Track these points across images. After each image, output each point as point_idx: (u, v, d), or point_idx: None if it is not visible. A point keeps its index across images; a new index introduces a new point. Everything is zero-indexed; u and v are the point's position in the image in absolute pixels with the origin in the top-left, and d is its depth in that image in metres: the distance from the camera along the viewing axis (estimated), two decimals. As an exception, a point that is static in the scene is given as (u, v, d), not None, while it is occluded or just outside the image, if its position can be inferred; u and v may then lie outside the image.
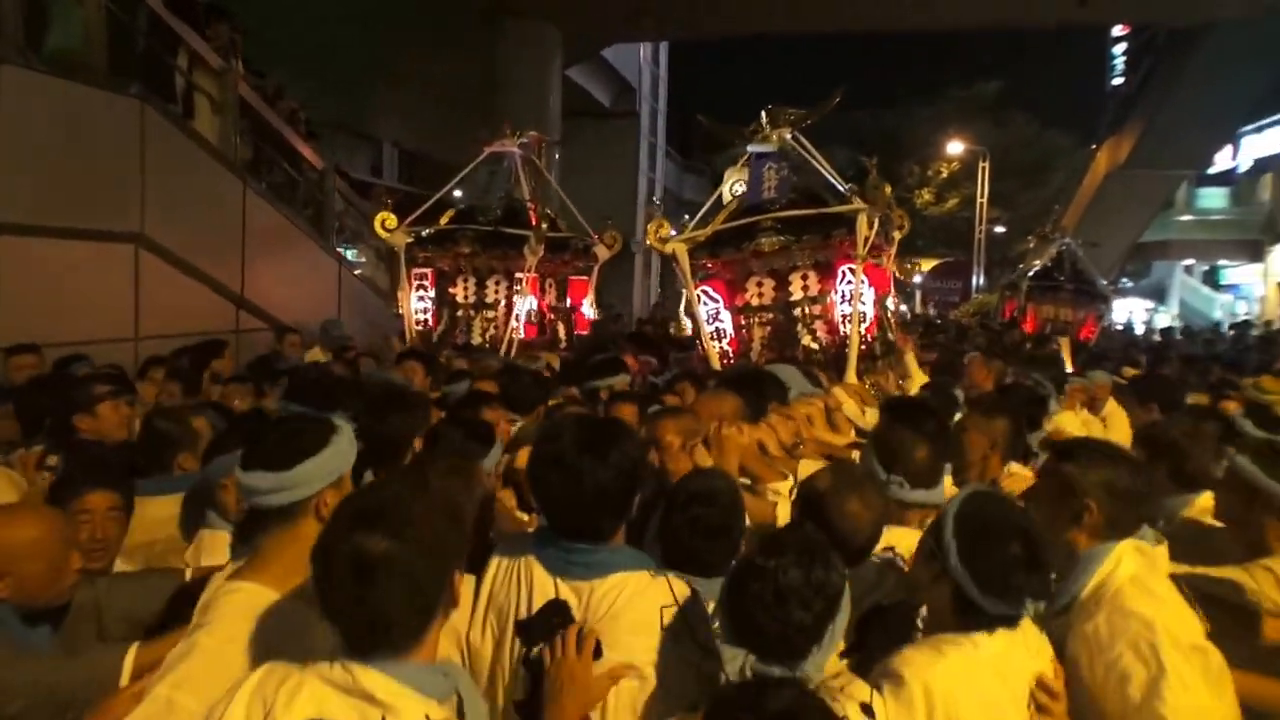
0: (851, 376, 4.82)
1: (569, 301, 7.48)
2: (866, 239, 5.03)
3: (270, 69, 8.87)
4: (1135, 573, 1.65)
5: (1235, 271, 29.44)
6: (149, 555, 2.36)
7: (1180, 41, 17.20)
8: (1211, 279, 30.72)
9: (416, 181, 24.22)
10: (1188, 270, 30.49)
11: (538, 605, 1.57)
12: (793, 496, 2.23)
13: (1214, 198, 29.35)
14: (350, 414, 2.47)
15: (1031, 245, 31.30)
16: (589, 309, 7.67)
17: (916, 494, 2.11)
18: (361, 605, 1.14)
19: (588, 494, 1.55)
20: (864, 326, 5.13)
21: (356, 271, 9.06)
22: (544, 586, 1.58)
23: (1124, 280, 26.60)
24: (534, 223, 6.89)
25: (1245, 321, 18.21)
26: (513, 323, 6.76)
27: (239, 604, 1.44)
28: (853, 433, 3.69)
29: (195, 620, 1.48)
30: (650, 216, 5.65)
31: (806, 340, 5.23)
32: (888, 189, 5.23)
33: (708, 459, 2.44)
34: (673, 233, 5.47)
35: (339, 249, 8.39)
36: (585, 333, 7.64)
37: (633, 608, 1.51)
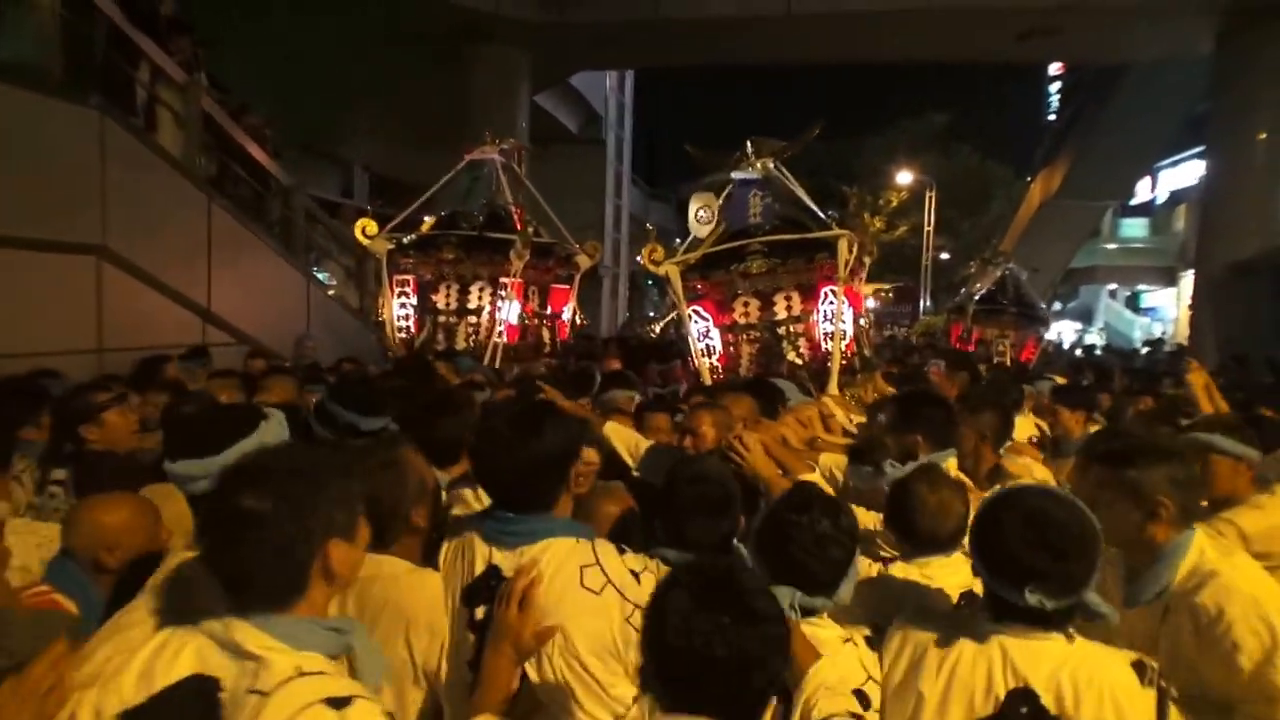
0: (834, 389, 5.10)
1: (550, 309, 7.52)
2: (847, 263, 5.39)
3: (240, 88, 8.87)
4: (1223, 552, 1.81)
5: (1153, 296, 31.47)
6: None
7: (1105, 82, 18.39)
8: (1133, 303, 32.71)
9: (387, 202, 24.15)
10: (1112, 294, 32.35)
11: (478, 574, 1.69)
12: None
13: (1135, 227, 31.32)
14: (395, 417, 2.60)
15: (974, 270, 32.37)
16: (572, 316, 7.75)
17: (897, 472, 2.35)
18: (229, 558, 1.19)
19: (519, 466, 1.67)
20: (844, 344, 5.46)
21: (329, 291, 9.06)
22: (482, 556, 1.69)
23: (1055, 303, 27.99)
24: (519, 227, 6.93)
25: (1159, 340, 19.71)
26: (497, 328, 6.79)
27: (168, 576, 1.50)
28: (843, 436, 3.88)
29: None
30: (647, 238, 5.93)
31: (791, 356, 5.53)
32: (866, 217, 5.67)
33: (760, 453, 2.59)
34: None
35: (308, 266, 8.34)
36: (566, 340, 7.70)
37: (557, 570, 1.62)
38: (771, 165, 5.78)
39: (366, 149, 22.50)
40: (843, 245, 5.40)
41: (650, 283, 36.93)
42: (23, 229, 5.24)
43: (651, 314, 32.77)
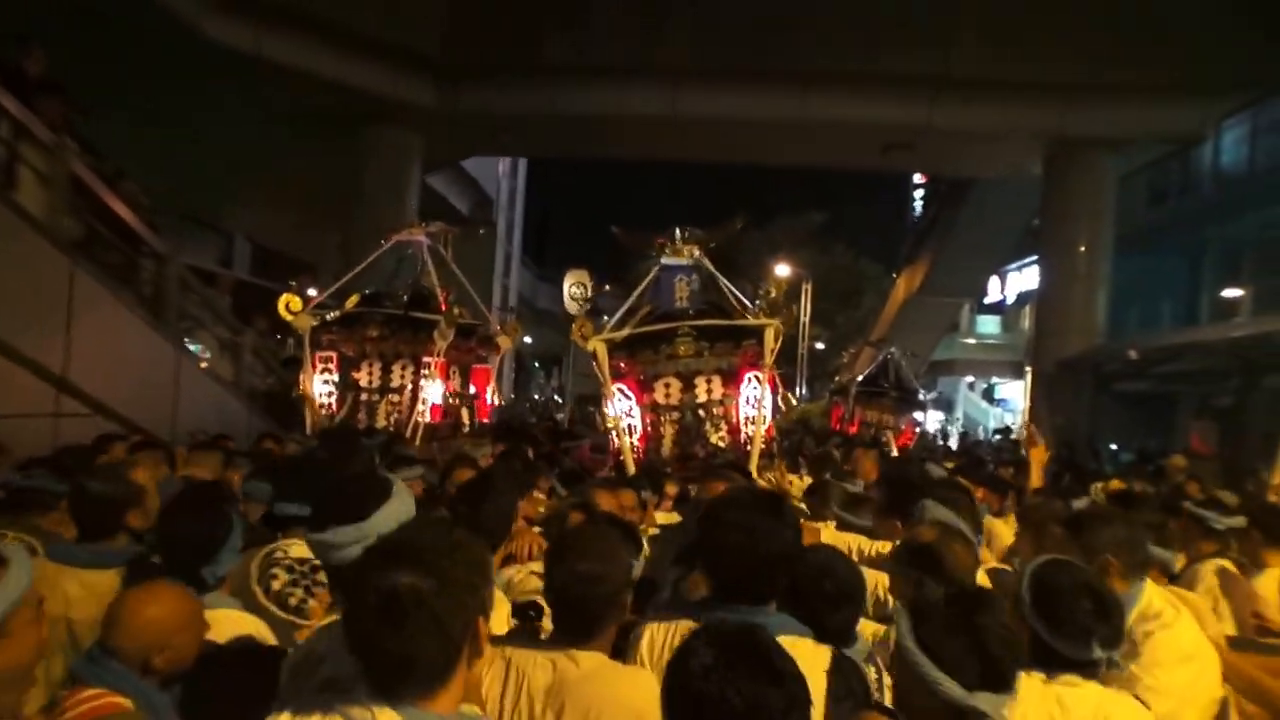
0: (754, 470, 5.20)
1: (472, 389, 7.59)
2: (773, 350, 5.66)
3: (120, 153, 8.55)
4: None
5: (1005, 388, 34.44)
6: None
7: (958, 192, 20.56)
8: (988, 394, 35.66)
9: (269, 274, 23.34)
10: (970, 386, 35.15)
11: None
12: None
13: (989, 324, 34.40)
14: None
15: (846, 360, 34.19)
16: (491, 396, 7.85)
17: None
18: (388, 642, 1.13)
19: (759, 558, 1.62)
20: (764, 428, 5.65)
21: (202, 364, 8.65)
22: None
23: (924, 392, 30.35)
24: (443, 308, 7.00)
25: (1007, 428, 22.41)
26: (419, 407, 6.79)
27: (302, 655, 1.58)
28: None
29: None
30: (536, 319, 5.96)
31: (714, 438, 5.69)
32: (792, 308, 6.01)
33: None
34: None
35: (180, 336, 7.98)
36: (486, 420, 7.76)
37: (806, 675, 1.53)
38: (698, 253, 6.03)
39: (249, 219, 21.89)
40: (769, 333, 5.66)
41: (537, 365, 36.92)
42: None
43: (536, 396, 32.72)
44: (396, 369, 6.94)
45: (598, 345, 5.67)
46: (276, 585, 2.30)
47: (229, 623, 2.11)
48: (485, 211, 23.15)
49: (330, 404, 6.87)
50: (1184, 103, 13.42)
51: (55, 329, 6.40)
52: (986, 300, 32.11)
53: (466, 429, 7.34)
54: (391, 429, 6.60)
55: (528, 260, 32.35)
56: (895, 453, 8.99)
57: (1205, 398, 14.42)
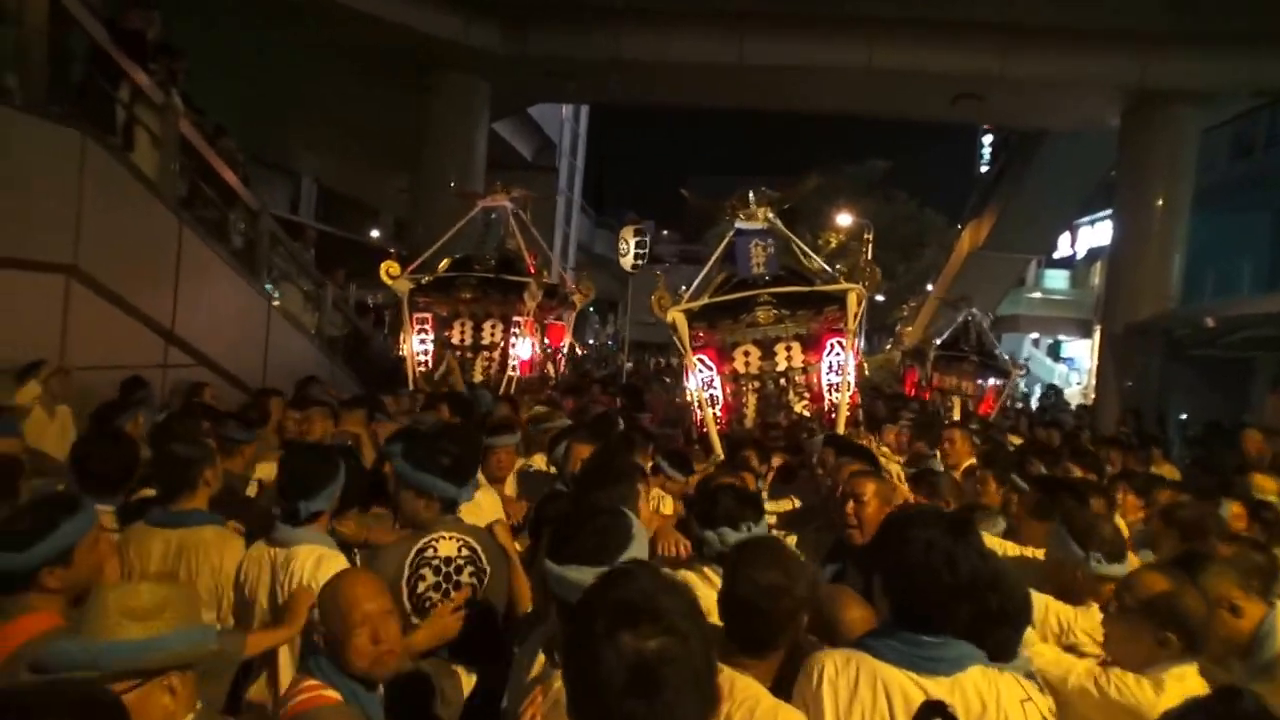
0: None
1: (549, 344, 8.07)
2: (856, 315, 5.56)
3: (192, 93, 8.87)
4: None
5: (1072, 345, 33.21)
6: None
7: (1028, 144, 19.69)
8: (1054, 351, 34.44)
9: (333, 216, 24.00)
10: (1035, 343, 34.01)
11: (900, 705, 1.49)
12: None
13: (1057, 279, 33.06)
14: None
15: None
16: (566, 351, 8.45)
17: (1113, 568, 2.41)
18: (646, 714, 1.00)
19: (956, 586, 1.52)
20: (849, 394, 5.54)
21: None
22: (903, 686, 1.50)
23: (985, 349, 29.54)
24: (531, 271, 7.46)
25: (1056, 389, 21.39)
26: (510, 363, 7.25)
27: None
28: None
29: None
30: (592, 265, 6.00)
31: (798, 406, 5.61)
32: (877, 272, 5.84)
33: None
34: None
35: (269, 289, 8.43)
36: (563, 372, 8.29)
37: (1001, 706, 1.49)
38: (771, 215, 5.88)
39: (316, 162, 22.38)
40: (852, 298, 5.51)
41: (592, 310, 37.30)
42: (-5, 246, 5.30)
43: (591, 340, 33.08)
44: (487, 327, 7.44)
45: (676, 316, 5.61)
46: (422, 587, 2.41)
47: (311, 557, 2.43)
48: (548, 157, 23.20)
49: (427, 361, 7.37)
50: (1275, 53, 12.53)
51: (165, 285, 6.86)
52: (1055, 255, 30.79)
53: (551, 382, 7.72)
54: (487, 383, 7.08)
55: (586, 206, 32.36)
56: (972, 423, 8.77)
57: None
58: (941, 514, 1.73)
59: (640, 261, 8.63)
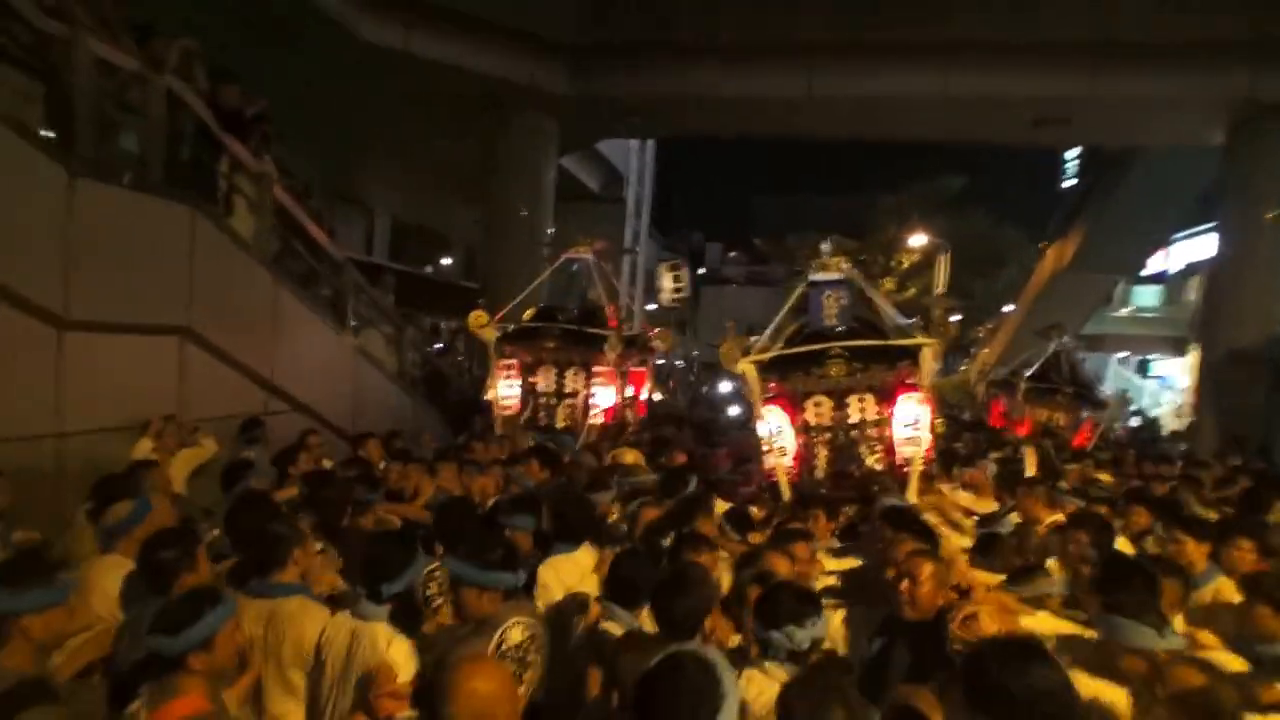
0: (914, 496, 5.16)
1: (631, 391, 8.33)
2: (931, 372, 5.44)
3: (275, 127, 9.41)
4: None
5: (1162, 364, 31.46)
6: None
7: (1121, 158, 18.85)
8: (1142, 368, 32.71)
9: (407, 248, 25.02)
10: (1122, 361, 32.37)
11: None
12: None
13: (1148, 295, 31.42)
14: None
15: (983, 335, 32.24)
16: (647, 394, 8.66)
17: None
18: None
19: (1057, 708, 1.66)
20: (924, 450, 5.42)
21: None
22: None
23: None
24: (613, 324, 7.74)
25: (1153, 420, 20.57)
26: (593, 411, 7.54)
27: None
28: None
29: None
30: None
31: (871, 460, 5.51)
32: (952, 327, 5.71)
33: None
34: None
35: (354, 336, 8.86)
36: (644, 416, 8.55)
37: None
38: (846, 265, 5.79)
39: (390, 197, 23.39)
40: (927, 354, 5.36)
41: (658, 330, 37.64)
42: (119, 314, 5.78)
43: (660, 361, 33.14)
44: (569, 375, 7.71)
45: (747, 367, 5.57)
46: None
47: (384, 636, 2.64)
48: (616, 188, 23.57)
49: (514, 406, 7.72)
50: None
51: (264, 338, 7.32)
52: (1145, 271, 29.34)
53: (632, 428, 8.00)
54: (570, 429, 7.48)
55: (653, 230, 32.65)
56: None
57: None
58: (1029, 646, 1.78)
59: (679, 294, 8.74)
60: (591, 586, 3.48)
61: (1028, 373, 10.33)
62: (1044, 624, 2.88)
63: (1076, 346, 10.63)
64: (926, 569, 2.75)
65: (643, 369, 8.50)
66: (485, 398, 7.92)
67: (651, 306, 20.19)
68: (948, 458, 8.02)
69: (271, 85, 11.13)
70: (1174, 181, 17.72)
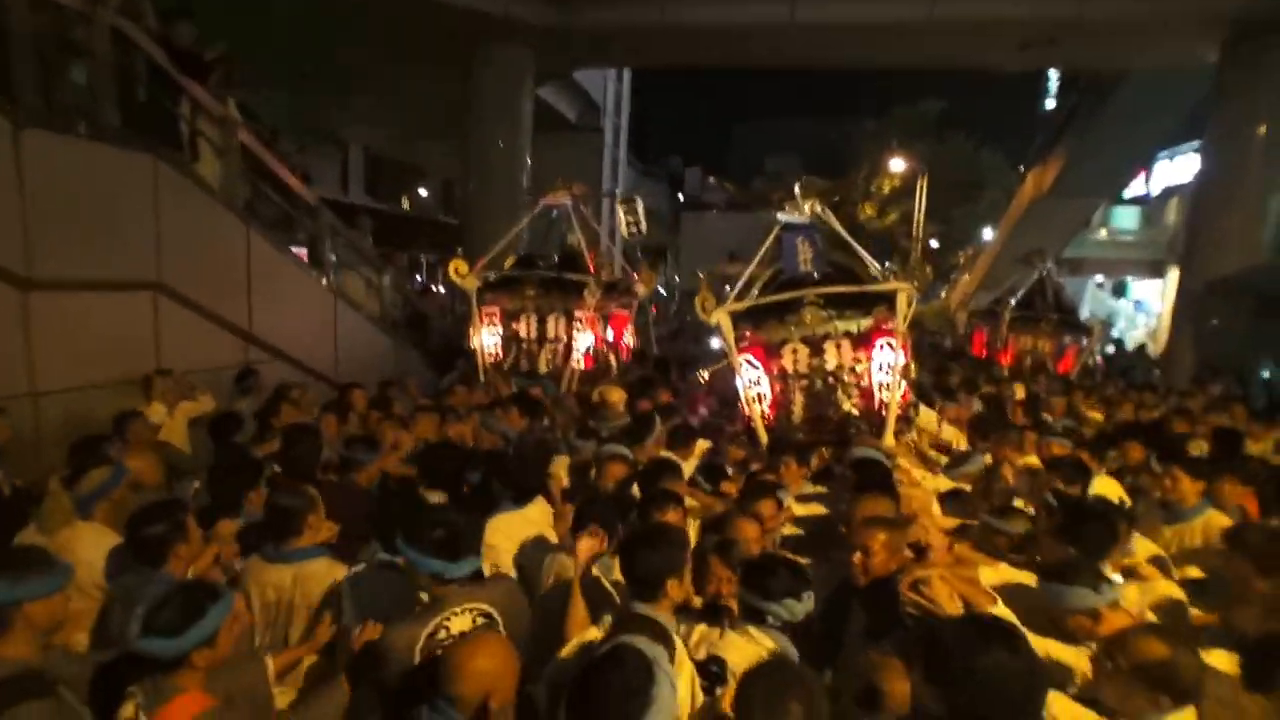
0: (890, 440, 5.15)
1: (612, 335, 8.32)
2: (906, 316, 5.36)
3: (247, 76, 8.97)
4: None
5: (1140, 286, 31.68)
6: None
7: (1105, 79, 18.45)
8: (1119, 290, 32.99)
9: (382, 184, 24.42)
10: (1099, 285, 32.59)
11: None
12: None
13: (1126, 217, 31.38)
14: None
15: (963, 260, 32.23)
16: (629, 339, 8.64)
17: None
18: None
19: (1016, 701, 1.70)
20: (900, 394, 5.36)
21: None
22: None
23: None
24: (591, 270, 7.69)
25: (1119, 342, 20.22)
26: (574, 355, 7.58)
27: None
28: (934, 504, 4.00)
29: None
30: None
31: (848, 406, 5.47)
32: (929, 270, 5.61)
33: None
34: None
35: (334, 281, 8.69)
36: (627, 361, 8.53)
37: None
38: (819, 208, 5.66)
39: (364, 132, 22.65)
40: (901, 298, 5.31)
41: (640, 257, 37.32)
42: (87, 271, 5.61)
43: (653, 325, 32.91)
44: (551, 321, 7.74)
45: (721, 317, 5.50)
46: None
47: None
48: (593, 118, 22.97)
49: (497, 352, 7.79)
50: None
51: (239, 288, 7.15)
52: (1124, 194, 29.24)
53: (614, 372, 8.02)
54: (551, 374, 7.53)
55: (631, 158, 32.00)
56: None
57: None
58: (992, 628, 1.80)
59: (634, 230, 8.64)
60: (547, 531, 3.53)
61: (1012, 301, 10.24)
62: (1003, 576, 2.96)
63: (1060, 273, 10.44)
64: (878, 540, 2.76)
65: (625, 311, 8.46)
66: (469, 345, 7.92)
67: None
68: (932, 388, 8.13)
69: (240, 20, 10.65)
70: (1159, 102, 17.38)
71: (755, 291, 5.81)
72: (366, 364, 8.47)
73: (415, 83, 16.39)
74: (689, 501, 3.86)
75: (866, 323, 5.47)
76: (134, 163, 5.91)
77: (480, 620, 2.51)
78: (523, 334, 7.73)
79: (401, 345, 9.86)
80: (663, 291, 32.17)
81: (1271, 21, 12.10)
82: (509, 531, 3.51)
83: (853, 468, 4.14)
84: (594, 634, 2.44)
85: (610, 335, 8.20)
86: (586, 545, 2.76)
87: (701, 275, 5.76)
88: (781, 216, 5.70)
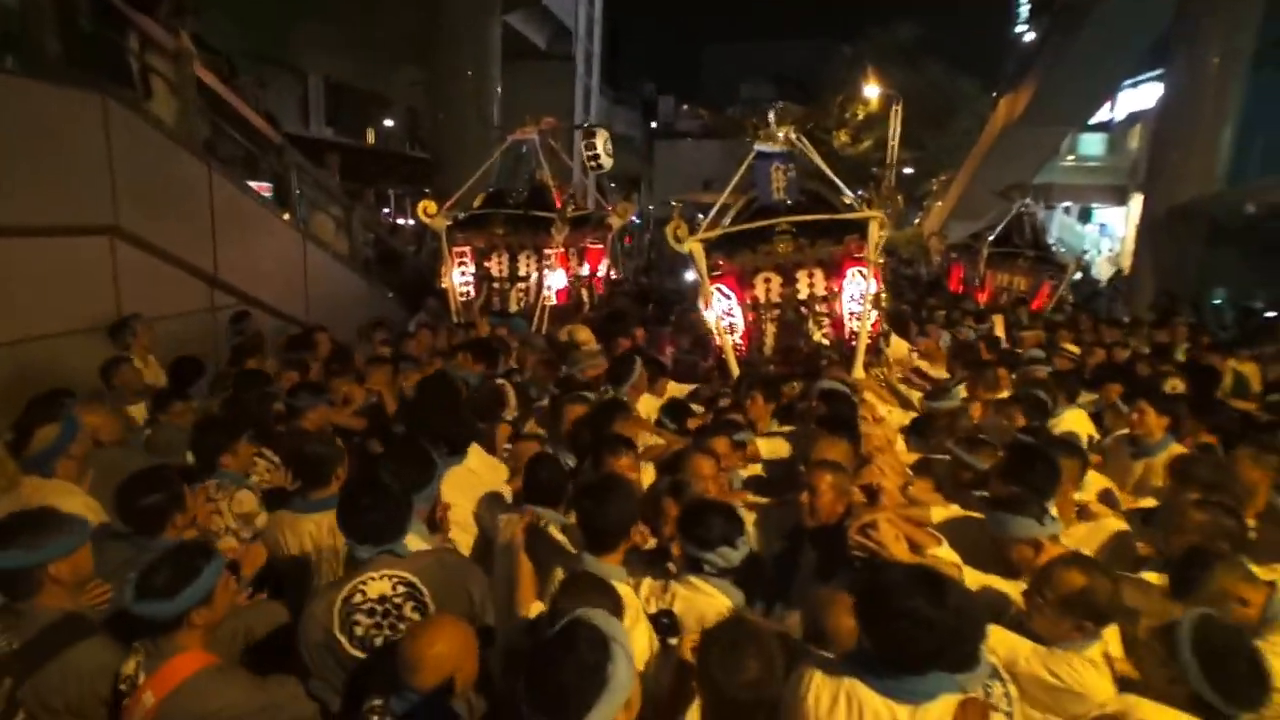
0: (859, 371, 5.23)
1: (588, 269, 8.35)
2: (878, 245, 5.38)
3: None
4: None
5: (1104, 212, 32.03)
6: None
7: (1073, 3, 18.27)
8: (1084, 215, 33.31)
9: (344, 114, 23.53)
10: (1065, 211, 32.85)
11: None
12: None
13: (1093, 144, 31.47)
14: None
15: (935, 188, 32.25)
16: (606, 271, 8.70)
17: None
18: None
19: (938, 643, 1.76)
20: (870, 323, 5.43)
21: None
22: (876, 710, 1.79)
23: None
24: (558, 204, 7.63)
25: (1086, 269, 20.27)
26: (545, 293, 7.59)
27: None
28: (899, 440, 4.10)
29: None
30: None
31: (818, 335, 5.52)
32: (900, 199, 5.70)
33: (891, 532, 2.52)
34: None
35: (301, 221, 8.49)
36: (603, 294, 8.60)
37: None
38: (793, 135, 5.59)
39: (325, 60, 21.64)
40: (874, 227, 5.31)
41: (613, 186, 36.57)
42: (37, 216, 5.42)
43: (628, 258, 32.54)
44: (522, 259, 7.76)
45: (694, 246, 5.46)
46: (360, 631, 2.37)
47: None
48: (564, 45, 22.19)
49: (469, 291, 7.81)
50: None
51: (203, 230, 6.97)
52: (1092, 119, 29.17)
53: (587, 308, 8.08)
54: (521, 312, 7.50)
55: (604, 86, 31.11)
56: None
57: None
58: (921, 578, 1.85)
59: (598, 164, 8.49)
60: (501, 487, 3.50)
61: (990, 236, 10.15)
62: (953, 514, 3.09)
63: (1038, 209, 10.25)
64: (825, 481, 2.83)
65: (600, 246, 8.42)
66: (440, 284, 7.89)
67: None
68: (903, 318, 8.18)
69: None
70: (1130, 26, 17.32)
71: (728, 220, 5.78)
72: (338, 305, 8.36)
73: (377, 8, 15.67)
74: (650, 440, 3.92)
75: (839, 250, 5.48)
76: (81, 101, 5.64)
77: (401, 588, 2.43)
78: (494, 272, 7.73)
79: (374, 285, 9.73)
80: (636, 220, 31.83)
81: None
82: (458, 485, 3.36)
83: (820, 396, 4.17)
84: (539, 607, 2.46)
85: (585, 269, 8.16)
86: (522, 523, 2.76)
87: (674, 204, 5.70)
88: (757, 146, 5.61)
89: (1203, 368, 5.78)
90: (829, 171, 5.95)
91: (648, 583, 2.57)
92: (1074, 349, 6.81)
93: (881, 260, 5.82)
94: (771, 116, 5.63)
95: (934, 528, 2.82)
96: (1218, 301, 12.70)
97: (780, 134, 5.59)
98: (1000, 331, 7.71)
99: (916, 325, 7.59)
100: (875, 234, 5.38)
